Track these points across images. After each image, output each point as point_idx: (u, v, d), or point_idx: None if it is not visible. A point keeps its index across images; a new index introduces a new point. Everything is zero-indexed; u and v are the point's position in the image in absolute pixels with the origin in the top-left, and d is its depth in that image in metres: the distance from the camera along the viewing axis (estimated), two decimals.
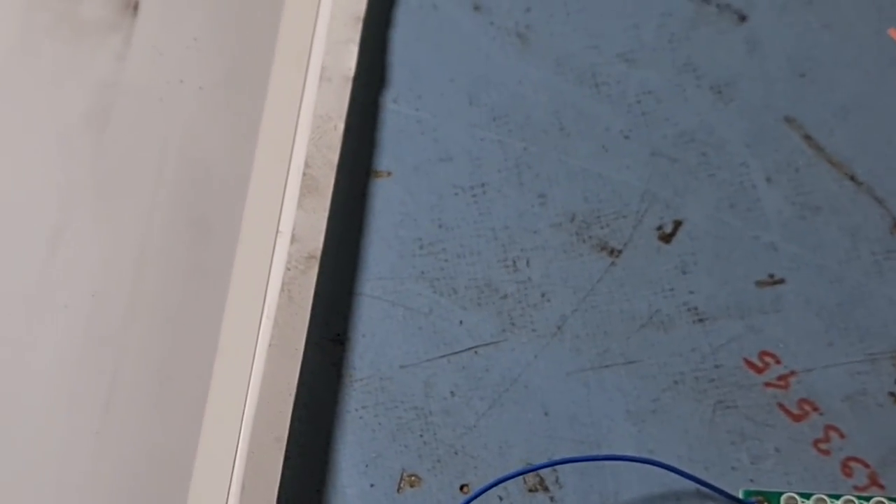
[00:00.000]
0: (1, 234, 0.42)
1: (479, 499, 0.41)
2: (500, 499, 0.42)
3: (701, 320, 0.44)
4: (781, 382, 0.43)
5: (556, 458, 0.43)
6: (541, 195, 0.45)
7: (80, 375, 0.42)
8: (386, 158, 0.46)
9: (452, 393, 0.43)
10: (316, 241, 0.44)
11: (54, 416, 0.41)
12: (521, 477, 0.43)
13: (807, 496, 0.42)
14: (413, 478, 0.43)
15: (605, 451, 0.43)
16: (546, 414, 0.43)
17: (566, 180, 0.46)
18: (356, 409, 0.43)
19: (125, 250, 0.43)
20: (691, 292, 0.44)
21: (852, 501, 0.41)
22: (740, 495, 0.42)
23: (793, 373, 0.43)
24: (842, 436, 0.43)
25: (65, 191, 0.43)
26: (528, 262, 0.45)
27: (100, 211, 0.43)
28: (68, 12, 0.45)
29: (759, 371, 0.44)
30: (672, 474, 0.41)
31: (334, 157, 0.45)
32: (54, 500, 0.40)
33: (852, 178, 0.45)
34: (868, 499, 0.41)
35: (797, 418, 0.43)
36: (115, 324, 0.42)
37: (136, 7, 0.45)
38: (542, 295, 0.44)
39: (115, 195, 0.43)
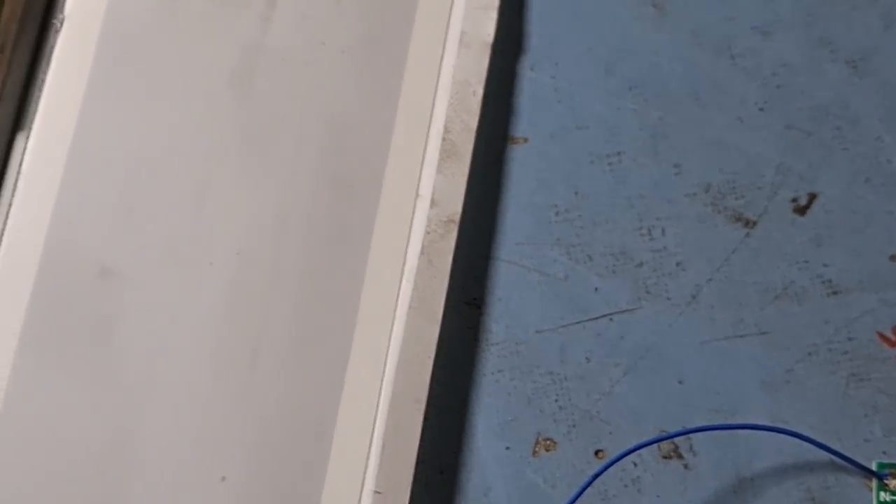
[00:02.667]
0: (149, 191, 0.42)
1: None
2: (635, 465, 0.42)
3: (835, 293, 0.44)
4: None
5: (690, 426, 0.43)
6: (676, 165, 0.46)
7: (226, 332, 0.42)
8: (523, 125, 0.46)
9: (587, 359, 0.44)
10: (455, 205, 0.44)
11: (201, 370, 0.42)
12: (655, 444, 0.43)
13: None
14: (548, 442, 0.43)
15: (738, 421, 0.43)
16: (680, 382, 0.44)
17: (701, 151, 0.46)
18: (492, 373, 0.44)
19: (269, 209, 0.43)
20: (825, 265, 0.45)
21: None
22: (874, 467, 0.42)
23: None
24: None
25: (211, 148, 0.43)
26: (663, 231, 0.45)
27: (244, 169, 0.43)
28: None
29: (893, 344, 0.44)
30: (805, 444, 0.42)
31: (473, 122, 0.45)
32: (197, 451, 0.41)
33: None
34: None
35: None
36: (260, 282, 0.43)
37: None
38: (677, 264, 0.45)
39: (259, 154, 0.43)
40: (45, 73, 0.44)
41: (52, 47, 0.44)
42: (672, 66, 0.46)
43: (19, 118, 0.45)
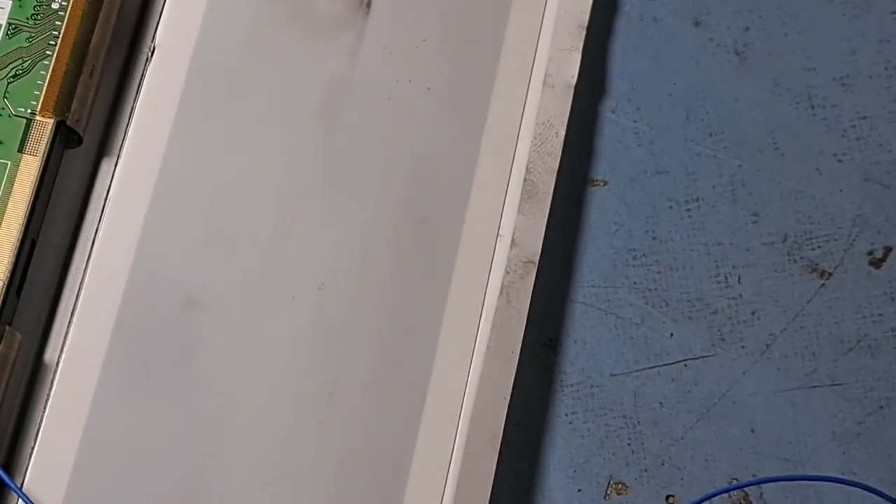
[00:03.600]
0: (234, 223, 0.43)
1: None
2: None
3: None
4: None
5: (761, 475, 0.43)
6: (754, 213, 0.46)
7: (306, 366, 0.43)
8: (603, 167, 0.46)
9: (661, 404, 0.44)
10: (535, 246, 0.44)
11: (282, 405, 0.42)
12: (726, 493, 0.43)
13: None
14: (620, 485, 0.43)
15: (809, 471, 0.44)
16: (752, 431, 0.44)
17: (779, 200, 0.46)
18: (566, 415, 0.44)
19: (352, 244, 0.44)
20: None
21: None
22: None
23: None
24: None
25: (297, 182, 0.44)
26: (739, 279, 0.45)
27: (329, 203, 0.44)
28: (304, 6, 0.45)
29: None
30: (875, 497, 0.42)
31: (555, 163, 0.45)
32: (276, 487, 0.41)
33: None
34: None
35: None
36: (341, 317, 0.43)
37: (368, 5, 0.45)
38: (753, 312, 0.45)
39: (344, 188, 0.44)
40: (133, 99, 0.44)
41: (143, 74, 0.44)
42: (752, 113, 0.47)
43: (104, 143, 0.45)
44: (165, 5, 0.45)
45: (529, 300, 0.44)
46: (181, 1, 0.45)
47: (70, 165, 0.45)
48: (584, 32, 0.46)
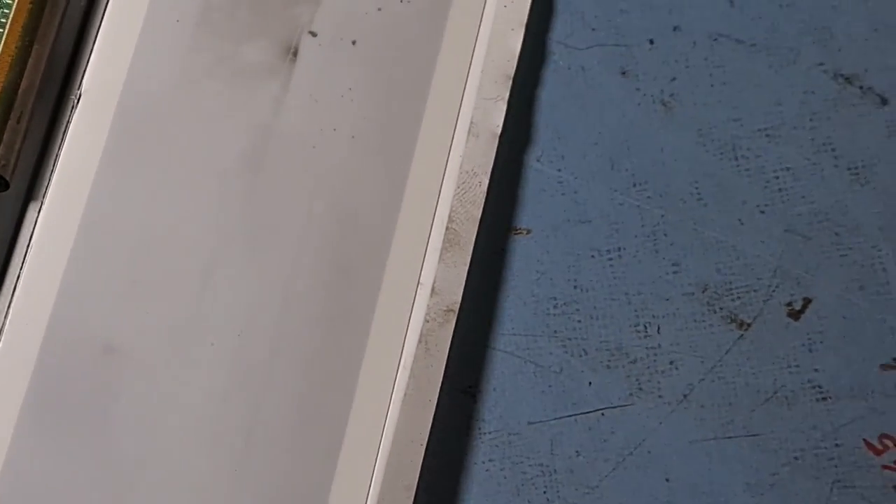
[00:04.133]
0: (156, 269, 0.43)
1: None
2: None
3: (824, 398, 0.45)
4: None
5: None
6: (675, 263, 0.46)
7: (223, 412, 0.43)
8: (526, 216, 0.47)
9: (577, 452, 0.45)
10: (455, 294, 0.45)
11: (198, 450, 0.43)
12: None
13: None
14: None
15: None
16: (667, 480, 0.44)
17: (700, 250, 0.47)
18: (483, 462, 0.45)
19: (272, 292, 0.44)
20: (816, 370, 0.45)
21: None
22: None
23: None
24: None
25: (219, 230, 0.44)
26: (658, 329, 0.46)
27: (250, 251, 0.44)
28: (230, 54, 0.46)
29: (879, 453, 0.45)
30: None
31: (477, 212, 0.46)
32: None
33: None
34: None
35: None
36: (260, 363, 0.44)
37: (295, 53, 0.46)
38: (671, 362, 0.46)
39: (265, 236, 0.44)
40: (60, 145, 0.45)
41: (68, 121, 0.45)
42: (677, 163, 0.47)
43: (31, 189, 0.46)
44: (92, 52, 0.45)
45: (448, 348, 0.44)
46: (108, 47, 0.46)
47: None
48: (510, 82, 0.47)
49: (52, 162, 0.46)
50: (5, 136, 0.45)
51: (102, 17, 0.46)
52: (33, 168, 0.47)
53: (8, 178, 0.45)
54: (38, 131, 0.47)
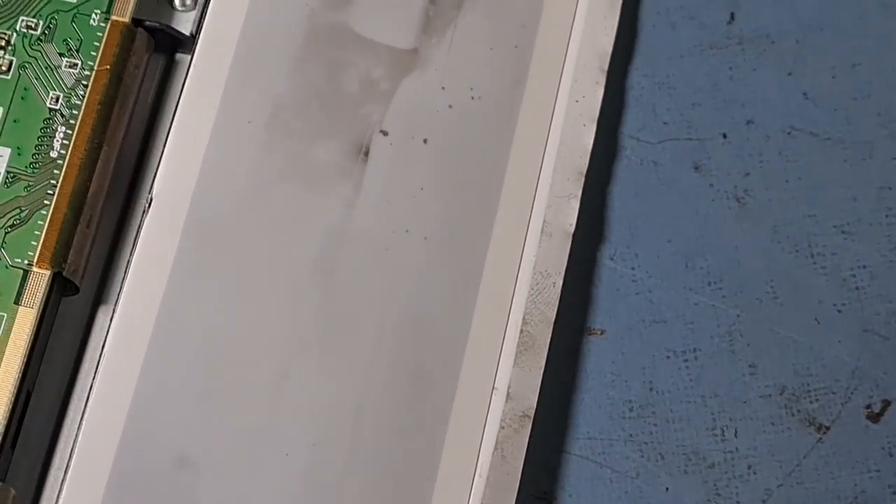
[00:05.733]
0: (229, 378, 0.43)
1: None
2: None
3: None
4: None
5: None
6: (751, 364, 0.46)
7: None
8: (600, 316, 0.46)
9: None
10: (530, 399, 0.44)
11: None
12: None
13: None
14: None
15: None
16: None
17: (777, 351, 0.46)
18: None
19: (346, 399, 0.44)
20: None
21: None
22: None
23: None
24: None
25: (292, 336, 0.44)
26: (735, 432, 0.45)
27: (323, 358, 0.44)
28: (301, 156, 0.45)
29: None
30: None
31: (552, 314, 0.45)
32: None
33: None
34: None
35: None
36: (334, 474, 0.43)
37: (366, 154, 0.45)
38: (749, 467, 0.45)
39: (338, 342, 0.44)
40: (129, 250, 0.44)
41: (140, 226, 0.44)
42: (751, 262, 0.47)
43: (101, 292, 0.45)
44: (163, 157, 0.45)
45: (524, 454, 0.44)
46: (178, 152, 0.45)
47: (65, 312, 0.45)
48: (582, 179, 0.46)
49: (123, 267, 0.45)
50: (75, 241, 0.44)
51: (173, 119, 0.46)
52: (102, 271, 0.46)
53: (78, 283, 0.45)
54: (105, 234, 0.46)
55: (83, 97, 0.46)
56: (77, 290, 0.45)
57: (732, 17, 0.49)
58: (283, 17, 0.47)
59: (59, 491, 0.43)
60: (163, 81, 0.48)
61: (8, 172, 0.45)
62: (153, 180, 0.45)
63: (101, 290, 0.46)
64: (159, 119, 0.47)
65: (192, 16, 0.47)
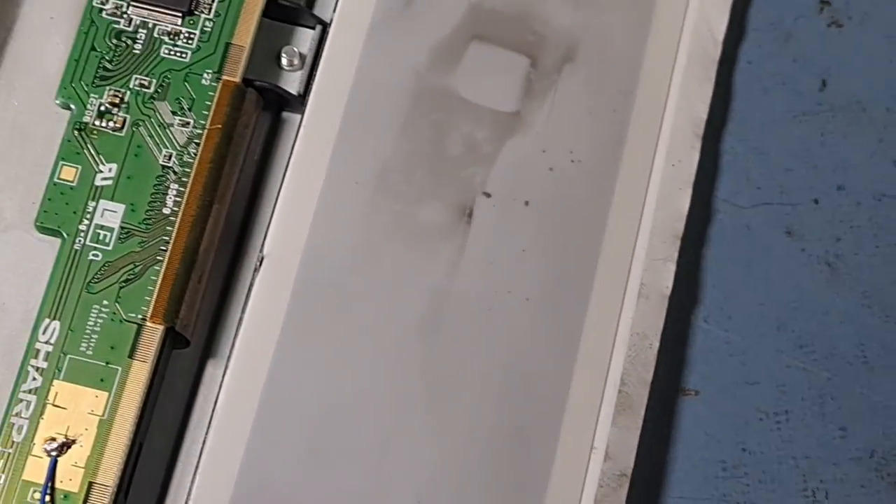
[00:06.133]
0: (336, 436, 0.44)
1: None
2: None
3: None
4: None
5: None
6: (842, 427, 0.47)
7: None
8: (694, 377, 0.48)
9: None
10: (628, 459, 0.46)
11: None
12: None
13: None
14: None
15: None
16: None
17: (868, 414, 0.47)
18: None
19: (449, 459, 0.45)
20: None
21: None
22: None
23: None
24: None
25: (397, 395, 0.45)
26: (826, 494, 0.46)
27: (428, 417, 0.45)
28: (408, 217, 0.47)
29: None
30: None
31: (648, 375, 0.46)
32: None
33: None
34: None
35: None
36: None
37: (470, 215, 0.47)
38: None
39: (442, 401, 0.45)
40: (240, 306, 0.46)
41: (251, 284, 0.46)
42: (842, 326, 0.48)
43: (209, 346, 0.47)
44: (273, 216, 0.46)
45: None
46: (289, 212, 0.46)
47: (175, 365, 0.46)
48: (678, 242, 0.48)
49: (231, 321, 0.46)
50: (186, 296, 0.46)
51: (284, 178, 0.47)
52: (210, 326, 0.47)
53: (189, 337, 0.46)
54: (213, 289, 0.47)
55: (195, 155, 0.47)
56: (188, 343, 0.46)
57: (824, 84, 0.50)
58: (389, 80, 0.48)
59: None
60: (269, 139, 0.49)
61: (122, 228, 0.46)
62: (264, 238, 0.46)
63: (210, 343, 0.47)
64: (266, 176, 0.49)
65: (300, 76, 0.48)
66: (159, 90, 0.47)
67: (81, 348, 0.45)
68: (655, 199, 0.48)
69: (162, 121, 0.47)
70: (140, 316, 0.45)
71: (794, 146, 0.50)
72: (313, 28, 0.49)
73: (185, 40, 0.48)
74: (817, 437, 0.47)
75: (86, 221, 0.46)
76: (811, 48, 0.50)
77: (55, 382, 0.45)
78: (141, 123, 0.47)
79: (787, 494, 0.46)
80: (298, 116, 0.48)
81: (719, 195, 0.49)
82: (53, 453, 0.44)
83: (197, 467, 0.44)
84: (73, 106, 0.47)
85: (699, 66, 0.49)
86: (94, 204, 0.46)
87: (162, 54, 0.48)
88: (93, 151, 0.47)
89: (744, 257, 0.48)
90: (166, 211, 0.46)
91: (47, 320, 0.45)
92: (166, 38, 0.48)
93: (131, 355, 0.45)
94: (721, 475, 0.46)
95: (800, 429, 0.47)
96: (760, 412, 0.47)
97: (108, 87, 0.47)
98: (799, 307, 0.48)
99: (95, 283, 0.45)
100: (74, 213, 0.46)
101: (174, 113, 0.47)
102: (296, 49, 0.48)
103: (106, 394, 0.44)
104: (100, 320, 0.45)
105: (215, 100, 0.47)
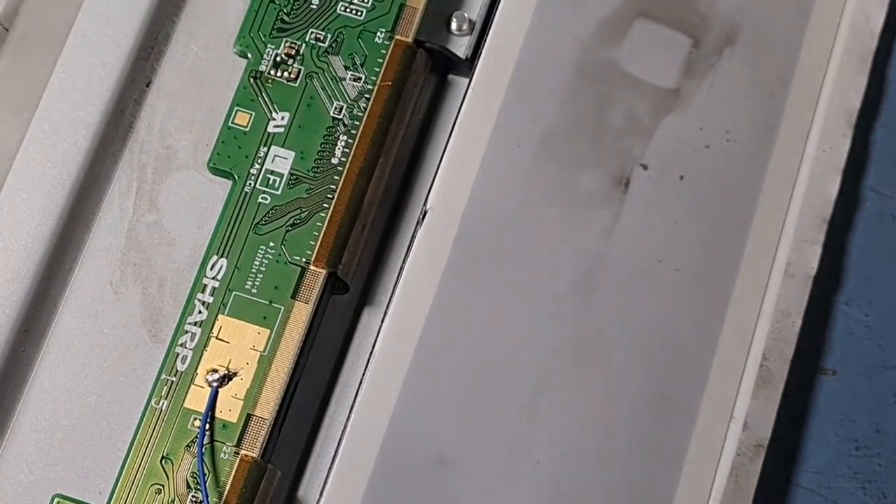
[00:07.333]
0: (488, 384, 0.46)
1: None
2: None
3: None
4: None
5: None
6: None
7: None
8: (833, 358, 0.49)
9: None
10: (765, 430, 0.47)
11: None
12: None
13: None
14: None
15: None
16: None
17: None
18: None
19: (595, 416, 0.46)
20: None
21: None
22: None
23: None
24: None
25: (548, 351, 0.47)
26: None
27: (576, 374, 0.46)
28: (567, 183, 0.48)
29: None
30: None
31: (790, 351, 0.48)
32: None
33: None
34: None
35: None
36: (579, 486, 0.46)
37: (626, 185, 0.48)
38: None
39: (591, 361, 0.47)
40: (401, 256, 0.48)
41: (414, 234, 0.47)
42: None
43: (366, 293, 0.48)
44: (438, 172, 0.48)
45: (756, 483, 0.46)
46: (453, 169, 0.48)
47: (333, 310, 0.48)
48: (825, 226, 0.49)
49: (389, 271, 0.48)
50: (349, 243, 0.47)
51: (450, 137, 0.49)
52: (368, 274, 0.49)
53: (349, 283, 0.48)
54: (374, 240, 0.49)
55: (365, 109, 0.48)
56: (347, 289, 0.48)
57: None
58: (556, 50, 0.50)
59: (326, 479, 0.46)
60: (434, 100, 0.51)
61: (291, 174, 0.48)
62: (428, 193, 0.48)
63: (367, 291, 0.49)
64: (430, 136, 0.50)
65: (468, 40, 0.50)
66: (333, 45, 0.49)
67: (247, 286, 0.46)
68: (806, 183, 0.49)
69: (335, 74, 0.49)
70: (304, 259, 0.47)
71: None
72: None
73: None
74: None
75: (257, 166, 0.48)
76: None
77: (220, 317, 0.46)
78: (315, 76, 0.49)
79: None
80: (463, 80, 0.50)
81: (868, 183, 0.50)
82: (215, 384, 0.45)
83: (351, 409, 0.46)
84: (250, 55, 0.49)
85: (855, 58, 0.51)
86: (265, 149, 0.48)
87: (338, 11, 0.50)
88: (267, 99, 0.48)
89: (887, 245, 0.50)
90: (334, 161, 0.48)
91: (215, 257, 0.46)
92: None
93: (294, 296, 0.46)
94: (854, 454, 0.48)
95: None
96: (895, 396, 0.48)
97: (284, 39, 0.49)
98: None
99: (263, 224, 0.47)
100: (246, 157, 0.48)
101: (346, 68, 0.49)
102: (466, 15, 0.50)
103: (268, 331, 0.46)
104: (265, 261, 0.47)
105: (387, 58, 0.49)
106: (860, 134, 0.50)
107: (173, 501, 0.44)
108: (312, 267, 0.46)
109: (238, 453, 0.44)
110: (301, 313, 0.46)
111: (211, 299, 0.46)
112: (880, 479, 0.47)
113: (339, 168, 0.47)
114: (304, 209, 0.47)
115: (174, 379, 0.45)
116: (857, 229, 0.50)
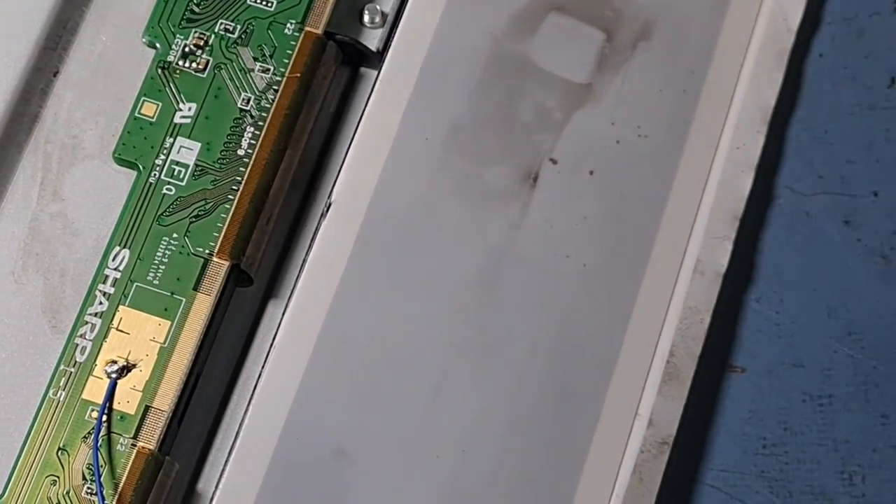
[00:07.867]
0: (388, 378, 0.45)
1: None
2: None
3: None
4: None
5: None
6: (884, 415, 0.48)
7: None
8: (742, 355, 0.49)
9: None
10: (671, 427, 0.47)
11: None
12: None
13: None
14: None
15: None
16: None
17: None
18: None
19: (496, 411, 0.46)
20: None
21: None
22: None
23: None
24: None
25: (450, 344, 0.46)
26: (863, 479, 0.47)
27: (480, 370, 0.46)
28: (473, 177, 0.48)
29: None
30: None
31: (697, 348, 0.47)
32: None
33: None
34: None
35: None
36: (478, 481, 0.45)
37: (535, 179, 0.48)
38: None
39: (492, 356, 0.46)
40: (304, 249, 0.47)
41: (317, 228, 0.47)
42: (893, 317, 0.49)
43: (272, 286, 0.48)
44: (343, 165, 0.48)
45: (661, 480, 0.46)
46: (359, 162, 0.48)
47: (237, 303, 0.48)
48: (737, 223, 0.49)
49: (294, 264, 0.48)
50: (254, 235, 0.47)
51: (356, 130, 0.48)
52: (274, 267, 0.48)
53: (252, 276, 0.47)
54: (280, 233, 0.48)
55: (272, 101, 0.48)
56: (251, 282, 0.48)
57: (893, 81, 0.51)
58: (467, 43, 0.50)
59: (222, 471, 0.45)
60: (346, 93, 0.50)
61: (197, 165, 0.47)
62: (333, 186, 0.48)
63: (273, 284, 0.48)
64: (340, 128, 0.50)
65: (380, 33, 0.50)
66: (243, 36, 0.49)
67: (149, 277, 0.46)
68: (718, 180, 0.49)
69: (243, 66, 0.48)
70: (207, 251, 0.46)
71: (858, 139, 0.51)
72: None
73: None
74: (858, 423, 0.48)
75: (162, 156, 0.47)
76: (883, 45, 0.51)
77: (121, 308, 0.46)
78: (223, 67, 0.48)
79: (824, 475, 0.47)
80: (375, 73, 0.49)
81: (781, 181, 0.50)
82: (113, 375, 0.45)
83: (250, 401, 0.46)
84: (158, 45, 0.49)
85: (771, 54, 0.50)
86: (171, 140, 0.48)
87: (248, 2, 0.49)
88: (174, 90, 0.48)
89: (800, 243, 0.49)
90: (240, 153, 0.47)
91: (118, 248, 0.46)
92: None
93: (196, 288, 0.46)
94: (761, 451, 0.47)
95: (842, 413, 0.48)
96: (804, 394, 0.48)
97: (193, 30, 0.49)
98: (850, 295, 0.49)
99: (167, 216, 0.47)
100: (152, 147, 0.47)
101: (255, 59, 0.48)
102: (378, 7, 0.50)
103: (169, 322, 0.46)
104: (168, 252, 0.46)
105: (296, 49, 0.49)
106: (775, 131, 0.50)
107: (68, 493, 0.43)
108: (215, 259, 0.46)
109: (135, 445, 0.44)
110: (203, 305, 0.46)
111: (112, 290, 0.45)
112: (787, 478, 0.47)
113: (245, 160, 0.47)
114: (208, 200, 0.46)
115: (73, 370, 0.45)
116: (770, 226, 0.49)
